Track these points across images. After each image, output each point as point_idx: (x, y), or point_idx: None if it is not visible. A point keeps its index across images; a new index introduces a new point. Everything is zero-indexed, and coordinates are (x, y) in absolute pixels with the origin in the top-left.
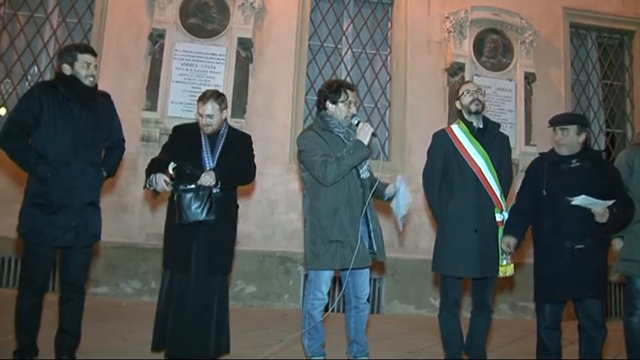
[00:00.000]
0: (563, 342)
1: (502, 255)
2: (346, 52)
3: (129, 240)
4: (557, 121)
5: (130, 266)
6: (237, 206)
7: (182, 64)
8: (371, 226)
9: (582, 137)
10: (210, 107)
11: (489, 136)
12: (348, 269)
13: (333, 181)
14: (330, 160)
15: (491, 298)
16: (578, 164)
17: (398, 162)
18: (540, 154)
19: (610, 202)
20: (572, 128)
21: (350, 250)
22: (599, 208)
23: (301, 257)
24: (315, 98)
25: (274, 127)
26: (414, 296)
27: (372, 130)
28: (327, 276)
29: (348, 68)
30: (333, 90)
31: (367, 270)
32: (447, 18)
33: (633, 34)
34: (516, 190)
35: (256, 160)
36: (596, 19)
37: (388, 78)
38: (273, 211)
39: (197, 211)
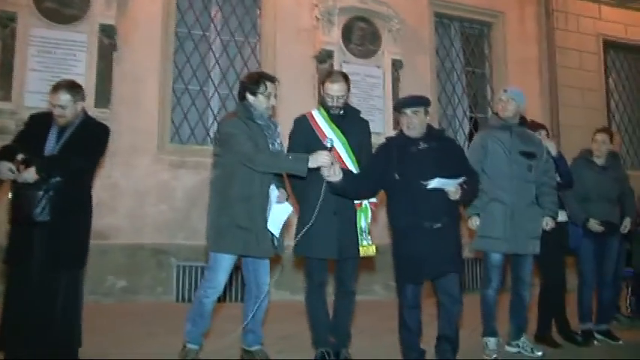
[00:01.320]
0: (424, 318)
1: (361, 235)
2: (214, 40)
3: None
4: (408, 104)
5: None
6: (90, 196)
7: (38, 52)
8: None
9: (427, 118)
10: (63, 97)
11: (349, 121)
12: (249, 257)
13: (260, 170)
14: (265, 151)
15: (354, 280)
16: (426, 145)
17: None
18: (387, 139)
19: (461, 180)
20: (422, 110)
21: (255, 238)
22: (451, 187)
23: (174, 249)
24: (182, 87)
25: (141, 116)
26: (300, 282)
27: (327, 173)
28: (227, 262)
29: (217, 56)
30: (253, 81)
31: (268, 260)
32: (316, 6)
33: (491, 26)
34: None
35: (124, 151)
36: (458, 9)
37: (258, 65)
38: (143, 203)
39: (29, 210)
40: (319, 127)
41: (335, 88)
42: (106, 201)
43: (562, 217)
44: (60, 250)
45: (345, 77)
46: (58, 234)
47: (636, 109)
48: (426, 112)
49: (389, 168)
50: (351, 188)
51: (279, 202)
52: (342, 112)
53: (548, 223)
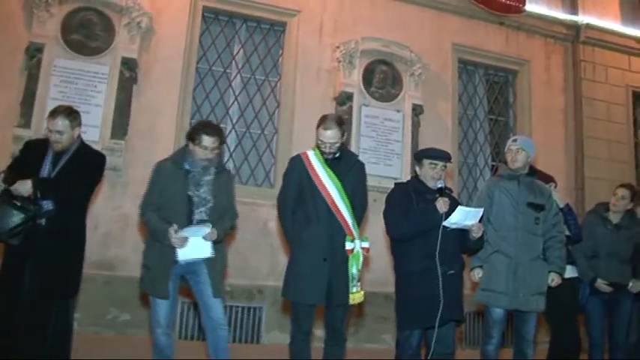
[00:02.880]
0: None
1: (351, 282)
2: (235, 77)
3: None
4: (444, 157)
5: None
6: (84, 225)
7: (61, 81)
8: None
9: None
10: (60, 123)
11: (345, 164)
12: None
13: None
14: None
15: (344, 327)
16: (437, 196)
17: None
18: (400, 183)
19: (481, 210)
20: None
21: (154, 277)
22: (474, 221)
23: None
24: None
25: (156, 150)
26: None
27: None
28: (159, 302)
29: (236, 93)
30: (194, 130)
31: (218, 297)
32: (338, 47)
33: (516, 74)
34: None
35: (136, 183)
36: (483, 56)
37: (276, 105)
38: None
39: (12, 234)
40: (313, 169)
41: (327, 135)
42: (114, 232)
43: (573, 272)
44: (51, 279)
45: (340, 123)
46: (50, 262)
47: None
48: None
49: (406, 206)
50: None
51: (196, 235)
52: (337, 154)
53: (553, 279)
